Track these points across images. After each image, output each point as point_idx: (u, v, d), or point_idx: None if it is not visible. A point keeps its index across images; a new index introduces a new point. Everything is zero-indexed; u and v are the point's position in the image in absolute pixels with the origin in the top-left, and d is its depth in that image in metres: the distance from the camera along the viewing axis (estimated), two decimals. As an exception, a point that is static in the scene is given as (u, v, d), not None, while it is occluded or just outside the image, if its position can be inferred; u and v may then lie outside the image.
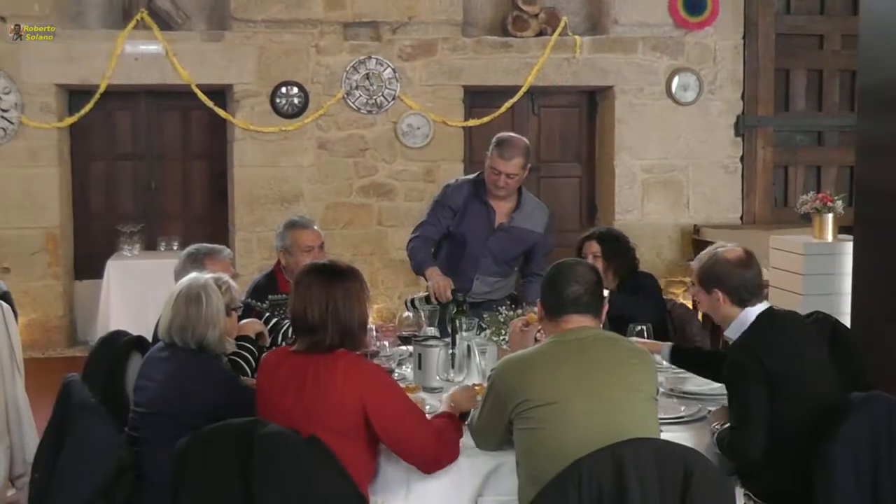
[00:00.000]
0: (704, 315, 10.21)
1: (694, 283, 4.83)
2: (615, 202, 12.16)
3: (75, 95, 11.51)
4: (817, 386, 4.42)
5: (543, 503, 3.62)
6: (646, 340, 5.39)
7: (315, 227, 6.46)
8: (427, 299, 6.28)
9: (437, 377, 5.21)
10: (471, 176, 6.87)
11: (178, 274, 5.48)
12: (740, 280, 4.58)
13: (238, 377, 4.80)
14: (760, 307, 4.59)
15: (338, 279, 4.30)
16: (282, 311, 6.15)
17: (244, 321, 5.30)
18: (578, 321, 4.19)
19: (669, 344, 5.26)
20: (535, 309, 4.54)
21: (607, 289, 6.07)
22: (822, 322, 5.50)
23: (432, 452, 4.19)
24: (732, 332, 4.60)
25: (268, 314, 5.83)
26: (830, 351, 5.03)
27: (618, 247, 6.46)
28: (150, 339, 5.36)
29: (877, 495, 4.13)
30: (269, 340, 5.49)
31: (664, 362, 5.35)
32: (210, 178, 12.21)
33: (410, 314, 6.01)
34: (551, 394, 3.95)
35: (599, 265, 6.29)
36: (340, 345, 4.22)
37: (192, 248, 5.70)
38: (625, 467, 3.54)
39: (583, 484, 3.55)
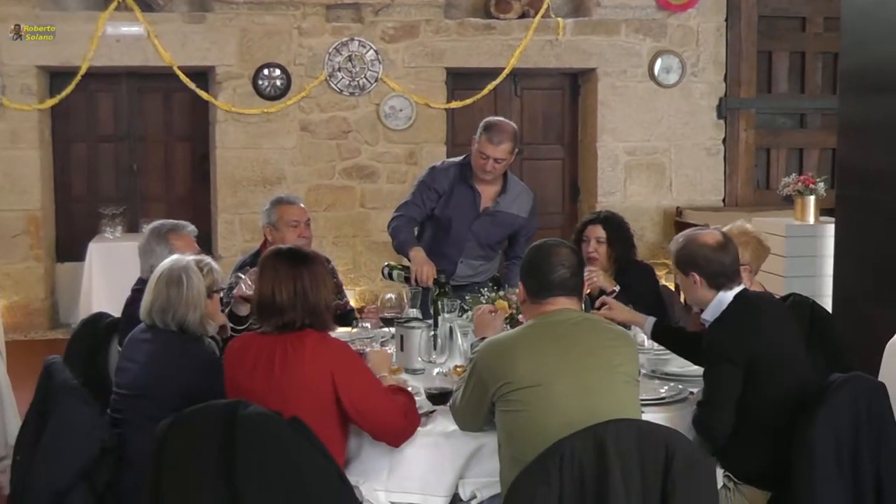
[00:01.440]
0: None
1: (671, 263, 4.83)
2: (598, 184, 12.17)
3: (56, 77, 11.47)
4: (795, 367, 4.43)
5: (525, 484, 3.63)
6: (626, 309, 5.36)
7: (301, 205, 6.49)
8: (407, 279, 6.28)
9: (419, 359, 5.21)
10: (457, 159, 6.86)
11: (142, 250, 5.49)
12: (719, 266, 4.59)
13: (220, 359, 4.80)
14: (736, 290, 4.60)
15: (304, 263, 4.34)
16: None
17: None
18: (563, 303, 4.19)
19: (653, 319, 5.24)
20: (516, 292, 4.54)
21: (605, 288, 6.13)
22: (799, 304, 5.52)
23: (400, 426, 4.22)
24: (709, 315, 4.61)
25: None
26: (808, 332, 5.04)
27: (621, 232, 6.41)
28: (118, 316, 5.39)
29: (857, 476, 4.15)
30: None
31: (644, 338, 5.38)
32: (192, 161, 12.19)
33: (393, 296, 6.02)
34: (533, 376, 3.96)
35: (602, 250, 6.27)
36: (309, 325, 4.24)
37: (155, 223, 5.68)
38: (606, 448, 3.55)
39: (564, 465, 3.55)
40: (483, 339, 4.74)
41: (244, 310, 5.44)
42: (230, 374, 4.33)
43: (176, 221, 5.68)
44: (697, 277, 4.60)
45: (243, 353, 4.30)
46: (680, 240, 4.75)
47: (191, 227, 5.70)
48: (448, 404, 4.45)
